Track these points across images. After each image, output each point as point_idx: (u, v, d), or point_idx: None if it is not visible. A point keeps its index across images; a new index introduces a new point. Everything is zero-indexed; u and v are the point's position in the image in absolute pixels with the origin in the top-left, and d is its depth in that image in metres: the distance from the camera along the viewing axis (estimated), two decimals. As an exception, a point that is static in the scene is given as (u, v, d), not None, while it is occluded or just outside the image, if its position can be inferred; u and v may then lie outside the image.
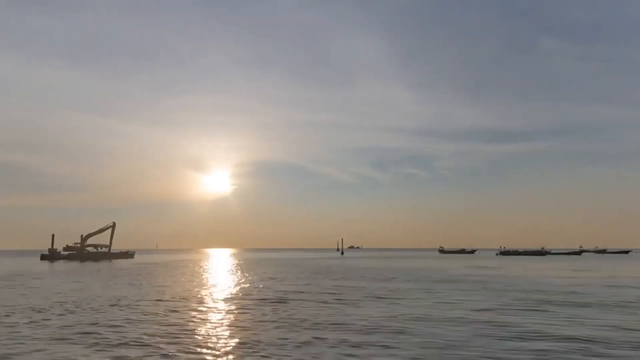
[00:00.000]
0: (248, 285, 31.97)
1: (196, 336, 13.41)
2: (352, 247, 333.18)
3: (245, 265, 66.63)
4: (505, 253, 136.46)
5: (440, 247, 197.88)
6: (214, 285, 31.95)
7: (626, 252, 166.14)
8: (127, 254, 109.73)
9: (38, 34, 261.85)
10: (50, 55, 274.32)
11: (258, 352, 11.38)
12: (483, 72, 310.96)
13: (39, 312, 18.32)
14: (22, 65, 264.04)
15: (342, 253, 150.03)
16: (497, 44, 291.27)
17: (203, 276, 42.47)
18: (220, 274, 45.96)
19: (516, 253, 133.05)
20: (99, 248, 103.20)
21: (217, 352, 11.38)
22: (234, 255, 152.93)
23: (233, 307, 19.78)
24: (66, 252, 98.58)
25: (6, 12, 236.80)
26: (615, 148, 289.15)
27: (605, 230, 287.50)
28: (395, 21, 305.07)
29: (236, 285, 32.17)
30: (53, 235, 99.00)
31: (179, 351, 11.46)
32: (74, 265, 70.10)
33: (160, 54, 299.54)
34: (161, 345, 12.07)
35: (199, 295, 24.81)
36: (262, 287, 29.71)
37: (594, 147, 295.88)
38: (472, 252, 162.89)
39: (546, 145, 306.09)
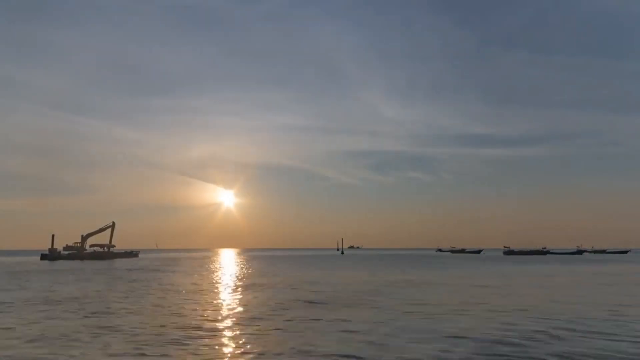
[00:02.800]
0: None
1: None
2: (352, 246, 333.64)
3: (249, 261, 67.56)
4: (509, 253, 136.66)
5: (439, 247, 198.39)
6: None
7: (625, 252, 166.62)
8: (132, 254, 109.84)
9: (46, 46, 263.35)
10: (53, 63, 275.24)
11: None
12: (473, 81, 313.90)
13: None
14: (29, 72, 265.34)
15: (342, 252, 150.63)
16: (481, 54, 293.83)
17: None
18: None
19: (520, 253, 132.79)
20: (104, 248, 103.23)
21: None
22: (240, 254, 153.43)
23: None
24: (66, 252, 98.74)
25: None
26: (607, 151, 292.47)
27: (603, 231, 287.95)
28: (388, 29, 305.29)
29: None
30: (53, 236, 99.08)
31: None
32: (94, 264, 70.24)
33: (161, 61, 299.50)
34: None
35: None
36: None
37: (588, 151, 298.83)
38: (479, 252, 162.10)
39: (541, 150, 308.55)
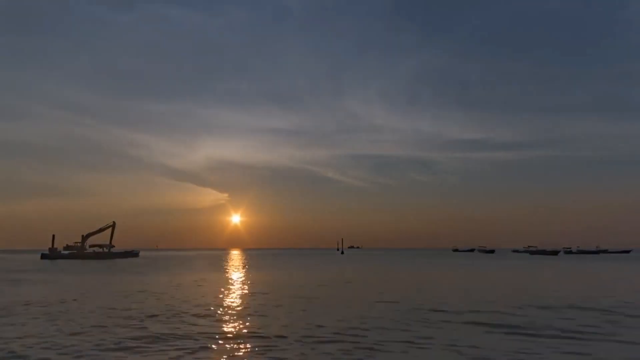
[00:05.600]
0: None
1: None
2: (352, 246, 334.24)
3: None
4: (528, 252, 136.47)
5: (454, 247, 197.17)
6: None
7: (627, 251, 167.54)
8: (132, 254, 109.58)
9: (48, 53, 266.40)
10: (55, 68, 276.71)
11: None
12: (468, 86, 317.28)
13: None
14: (32, 76, 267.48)
15: (342, 252, 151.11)
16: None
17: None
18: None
19: (526, 252, 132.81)
20: (104, 248, 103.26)
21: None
22: (242, 253, 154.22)
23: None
24: (67, 252, 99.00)
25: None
26: (602, 155, 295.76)
27: (604, 231, 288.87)
28: (386, 32, 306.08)
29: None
30: (53, 236, 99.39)
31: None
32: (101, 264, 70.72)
33: (160, 65, 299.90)
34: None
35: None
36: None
37: (583, 154, 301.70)
38: (492, 251, 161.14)
39: (540, 153, 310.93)
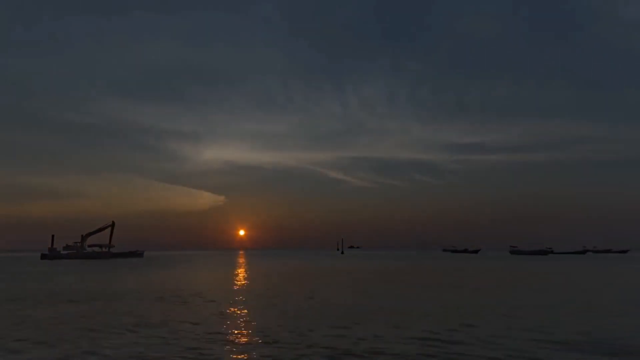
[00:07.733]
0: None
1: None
2: (352, 246, 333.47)
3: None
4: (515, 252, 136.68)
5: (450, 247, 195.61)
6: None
7: (625, 251, 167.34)
8: (136, 254, 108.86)
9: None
10: (59, 74, 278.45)
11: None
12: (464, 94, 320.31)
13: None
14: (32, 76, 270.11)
15: (342, 252, 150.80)
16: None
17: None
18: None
19: (523, 252, 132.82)
20: (102, 248, 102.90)
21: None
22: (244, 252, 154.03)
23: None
24: (66, 252, 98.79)
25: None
26: (600, 157, 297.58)
27: (603, 232, 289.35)
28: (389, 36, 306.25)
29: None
30: (53, 236, 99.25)
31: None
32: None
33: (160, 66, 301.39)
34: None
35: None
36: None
37: (582, 156, 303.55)
38: (476, 251, 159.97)
39: (540, 155, 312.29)
